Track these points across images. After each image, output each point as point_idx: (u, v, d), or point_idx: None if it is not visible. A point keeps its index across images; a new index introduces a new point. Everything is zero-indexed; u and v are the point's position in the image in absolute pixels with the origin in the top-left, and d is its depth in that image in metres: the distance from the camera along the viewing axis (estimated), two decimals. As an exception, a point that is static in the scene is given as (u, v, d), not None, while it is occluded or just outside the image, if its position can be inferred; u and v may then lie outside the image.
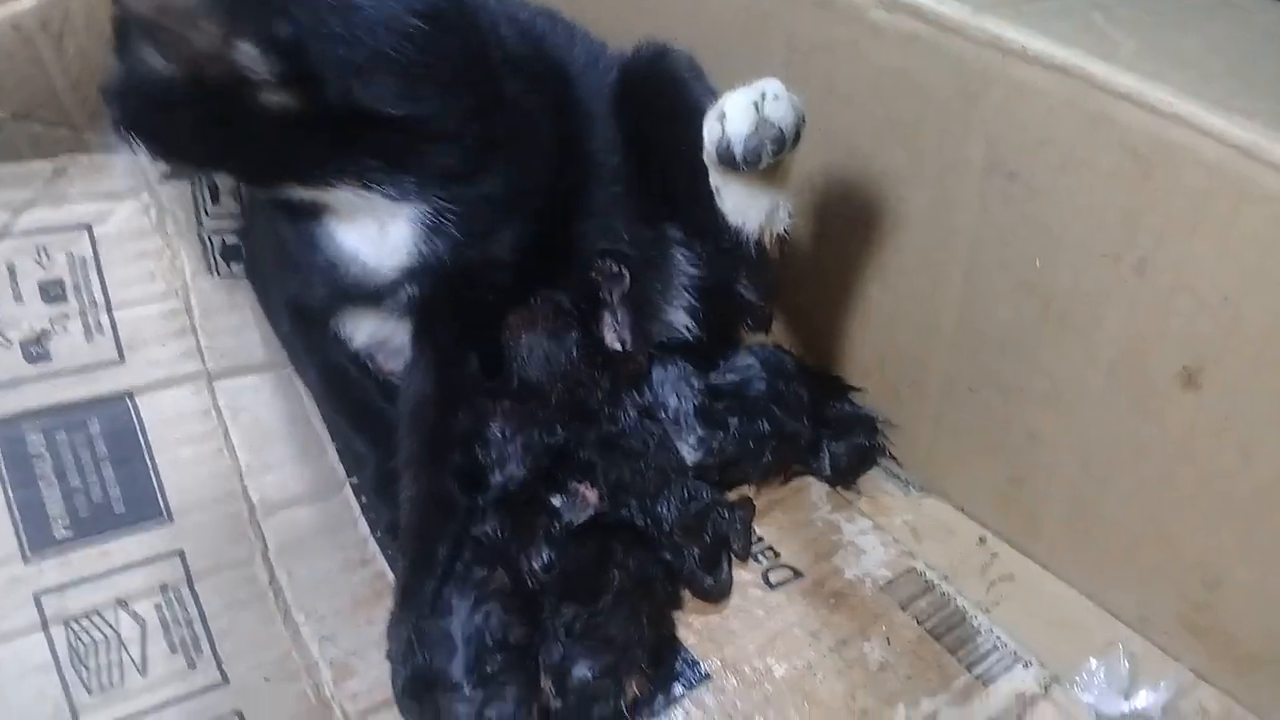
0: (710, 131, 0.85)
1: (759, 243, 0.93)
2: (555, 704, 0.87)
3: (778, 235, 0.93)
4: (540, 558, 0.95)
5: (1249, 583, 0.85)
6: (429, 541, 0.94)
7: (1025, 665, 0.92)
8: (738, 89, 0.84)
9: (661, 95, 1.02)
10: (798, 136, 0.84)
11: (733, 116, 0.83)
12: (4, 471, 0.92)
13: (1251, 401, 0.79)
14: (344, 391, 1.06)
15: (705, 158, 0.87)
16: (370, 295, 0.97)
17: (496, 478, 0.99)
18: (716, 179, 0.89)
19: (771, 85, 0.83)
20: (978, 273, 0.95)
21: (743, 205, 0.90)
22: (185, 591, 0.92)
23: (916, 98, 0.94)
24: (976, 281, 0.95)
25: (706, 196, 0.91)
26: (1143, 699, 0.89)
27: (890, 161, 0.99)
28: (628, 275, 1.07)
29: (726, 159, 0.84)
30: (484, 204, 0.93)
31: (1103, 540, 0.95)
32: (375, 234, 0.94)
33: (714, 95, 0.87)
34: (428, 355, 1.00)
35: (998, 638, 0.95)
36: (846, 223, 1.06)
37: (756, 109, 0.82)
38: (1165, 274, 0.80)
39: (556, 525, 0.98)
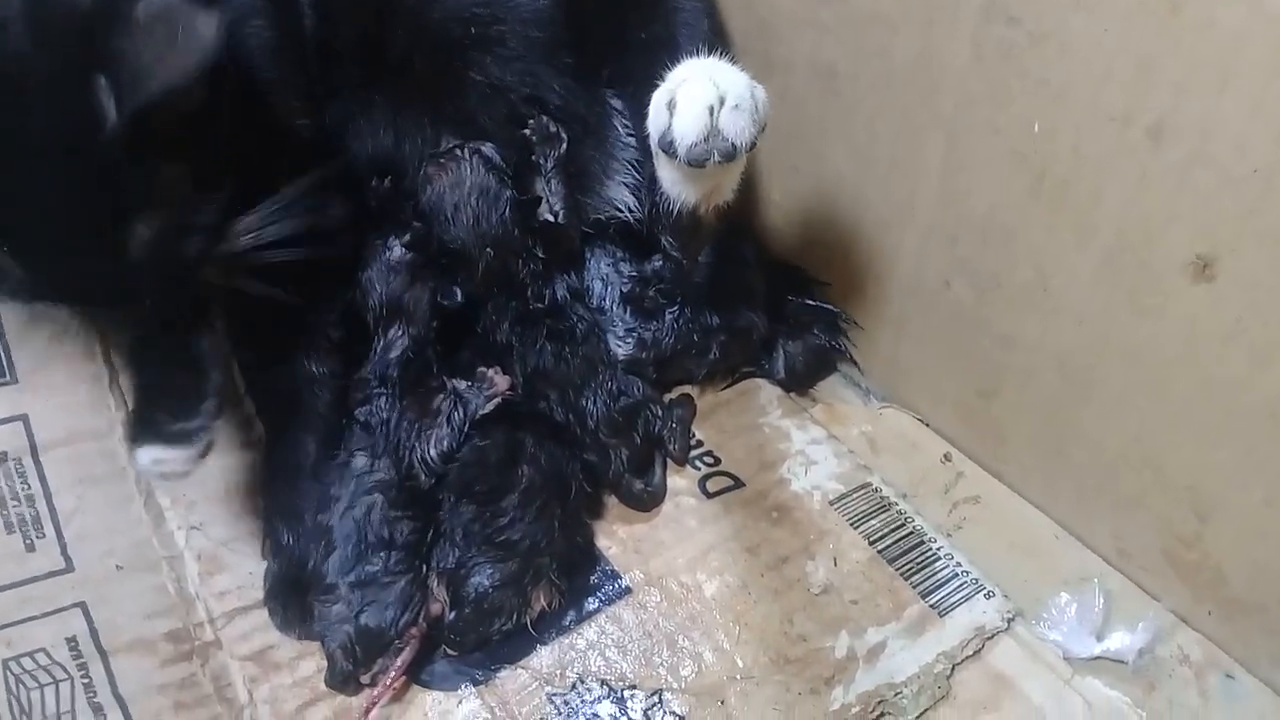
0: (656, 116, 0.76)
1: (694, 211, 0.83)
2: (449, 615, 0.79)
3: (716, 207, 0.83)
4: (437, 446, 0.84)
5: (1246, 513, 0.76)
6: (287, 431, 0.86)
7: (987, 596, 0.85)
8: (695, 75, 0.73)
9: None
10: (753, 144, 0.74)
11: (683, 115, 0.73)
12: None
13: (1272, 298, 0.69)
14: None
15: (646, 130, 0.78)
16: None
17: (379, 342, 0.88)
18: (656, 151, 0.79)
19: (735, 87, 0.73)
20: (963, 139, 0.84)
21: (680, 182, 0.81)
22: (28, 462, 0.84)
23: (905, -72, 0.83)
24: (961, 149, 0.85)
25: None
26: (1117, 640, 0.82)
27: (871, 4, 0.87)
28: (565, 138, 0.95)
29: (669, 152, 0.75)
30: None
31: (1080, 461, 0.87)
32: None
33: None
34: None
35: (958, 564, 0.88)
36: (815, 78, 0.95)
37: (711, 115, 0.72)
38: (1183, 140, 0.69)
39: (459, 412, 0.86)
